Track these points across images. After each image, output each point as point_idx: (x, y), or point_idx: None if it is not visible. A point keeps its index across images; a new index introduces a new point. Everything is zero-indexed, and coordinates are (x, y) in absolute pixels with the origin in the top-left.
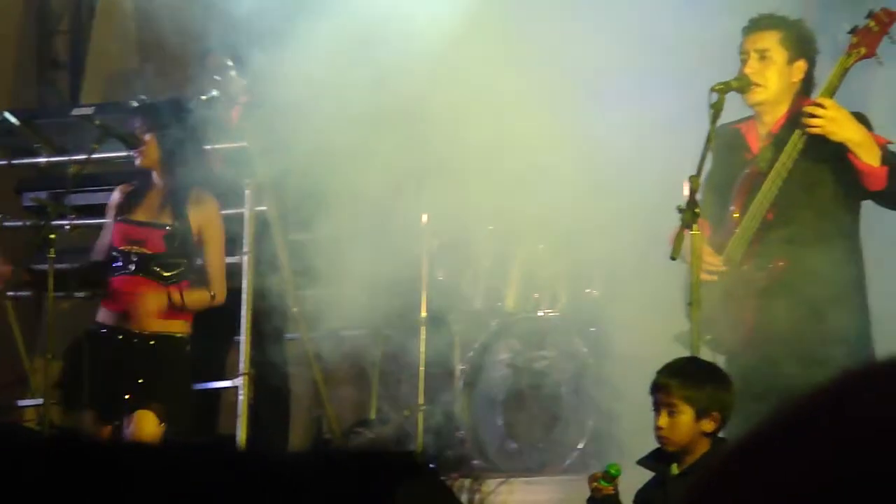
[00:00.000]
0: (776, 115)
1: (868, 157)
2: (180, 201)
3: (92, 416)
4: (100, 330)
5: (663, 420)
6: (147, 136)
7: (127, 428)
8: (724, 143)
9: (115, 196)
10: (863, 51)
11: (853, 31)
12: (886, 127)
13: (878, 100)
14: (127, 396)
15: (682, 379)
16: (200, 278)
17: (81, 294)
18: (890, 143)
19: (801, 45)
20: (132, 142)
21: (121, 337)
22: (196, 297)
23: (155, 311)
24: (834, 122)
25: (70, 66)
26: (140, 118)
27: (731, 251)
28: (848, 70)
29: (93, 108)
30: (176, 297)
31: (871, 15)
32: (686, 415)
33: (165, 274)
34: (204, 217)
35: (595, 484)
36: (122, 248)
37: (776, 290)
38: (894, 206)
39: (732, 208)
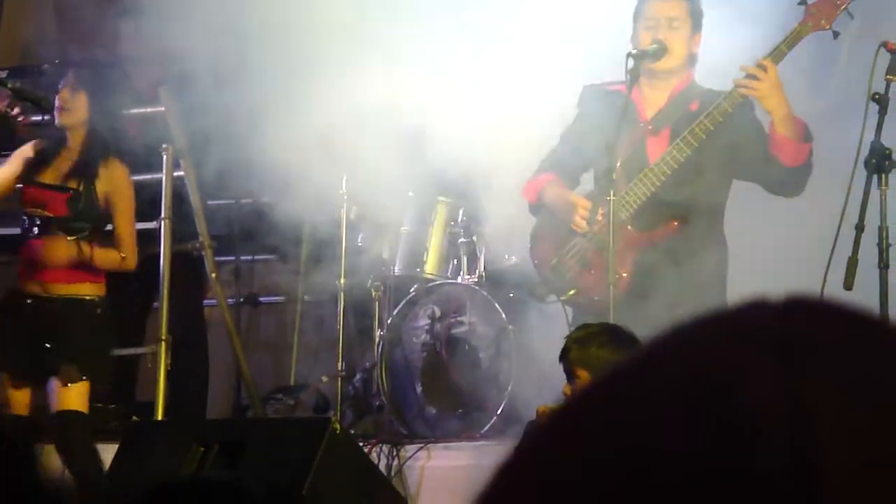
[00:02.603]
0: (672, 83)
1: (791, 131)
2: (91, 165)
3: (7, 379)
4: (14, 295)
5: (567, 387)
6: (78, 94)
7: (48, 392)
8: (609, 103)
9: (27, 150)
10: (822, 23)
11: (804, 2)
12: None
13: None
14: (41, 362)
15: (579, 344)
16: (109, 243)
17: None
18: (806, 124)
19: (699, 17)
20: (46, 105)
21: (29, 301)
22: (105, 255)
23: (62, 275)
24: (771, 87)
25: None
26: (73, 75)
27: (619, 210)
28: (800, 40)
29: (6, 71)
30: (85, 249)
31: None
32: (583, 380)
33: (68, 238)
34: (112, 183)
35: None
36: (27, 211)
37: (663, 250)
38: (793, 188)
39: (614, 169)
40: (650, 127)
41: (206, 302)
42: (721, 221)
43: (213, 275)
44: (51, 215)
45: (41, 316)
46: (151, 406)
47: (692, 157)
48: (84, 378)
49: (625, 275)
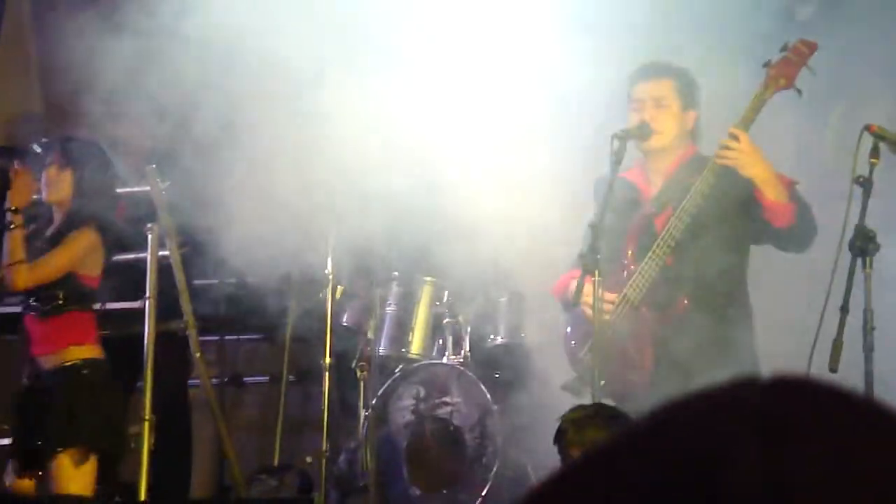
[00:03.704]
0: (669, 160)
1: (775, 194)
2: (66, 233)
3: (15, 466)
4: (27, 377)
5: None
6: (63, 172)
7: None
8: (616, 191)
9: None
10: (781, 82)
11: (768, 64)
12: (793, 169)
13: (786, 142)
14: (38, 443)
15: (574, 425)
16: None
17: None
18: (797, 182)
19: (692, 93)
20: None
21: (25, 381)
22: (17, 247)
23: (46, 345)
24: (746, 155)
25: None
26: (58, 152)
27: (630, 293)
28: (765, 103)
29: None
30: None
31: (786, 47)
32: None
33: (44, 308)
34: (75, 239)
35: None
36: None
37: (677, 332)
38: (796, 246)
39: (627, 254)
40: (655, 207)
41: (190, 382)
42: (742, 290)
43: (198, 354)
44: (24, 286)
45: (30, 395)
46: (134, 487)
47: (693, 231)
48: (91, 452)
49: (646, 361)
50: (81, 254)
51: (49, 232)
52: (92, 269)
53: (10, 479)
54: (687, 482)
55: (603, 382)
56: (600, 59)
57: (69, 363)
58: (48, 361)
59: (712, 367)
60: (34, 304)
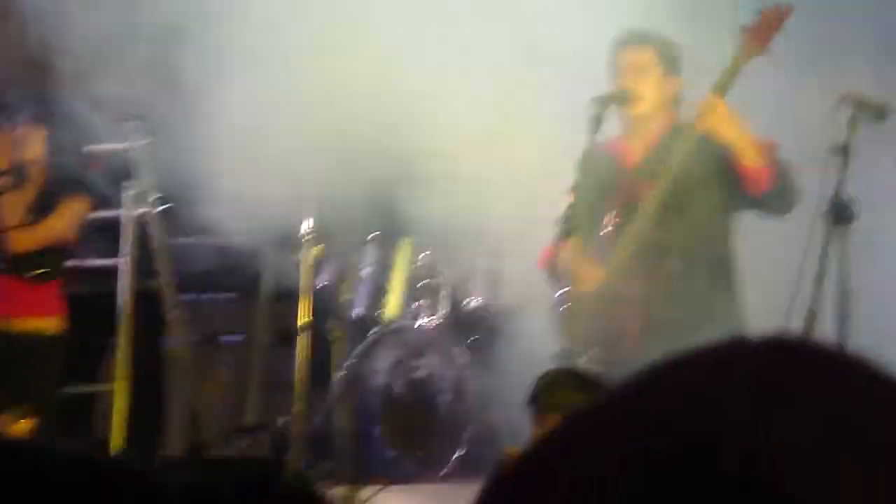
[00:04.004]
0: (651, 128)
1: (752, 159)
2: (50, 202)
3: None
4: None
5: (534, 432)
6: (35, 130)
7: None
8: (597, 161)
9: None
10: (757, 47)
11: (744, 29)
12: (772, 130)
13: (765, 102)
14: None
15: (547, 388)
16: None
17: None
18: (776, 145)
19: (673, 60)
20: None
21: None
22: (15, 215)
23: (20, 311)
24: (723, 120)
25: None
26: (31, 110)
27: (614, 263)
28: (741, 68)
29: None
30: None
31: (761, 11)
32: (552, 425)
33: (36, 273)
34: (66, 217)
35: None
36: None
37: (663, 299)
38: (774, 210)
39: (609, 224)
40: (637, 177)
41: (165, 341)
42: (728, 256)
43: (173, 313)
44: (16, 249)
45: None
46: (107, 444)
47: (676, 197)
48: (37, 414)
49: (633, 329)
50: (76, 222)
51: (31, 197)
52: (74, 237)
53: None
54: (676, 443)
55: (593, 351)
56: (600, 25)
57: (47, 333)
58: (18, 324)
59: (700, 334)
60: (24, 268)
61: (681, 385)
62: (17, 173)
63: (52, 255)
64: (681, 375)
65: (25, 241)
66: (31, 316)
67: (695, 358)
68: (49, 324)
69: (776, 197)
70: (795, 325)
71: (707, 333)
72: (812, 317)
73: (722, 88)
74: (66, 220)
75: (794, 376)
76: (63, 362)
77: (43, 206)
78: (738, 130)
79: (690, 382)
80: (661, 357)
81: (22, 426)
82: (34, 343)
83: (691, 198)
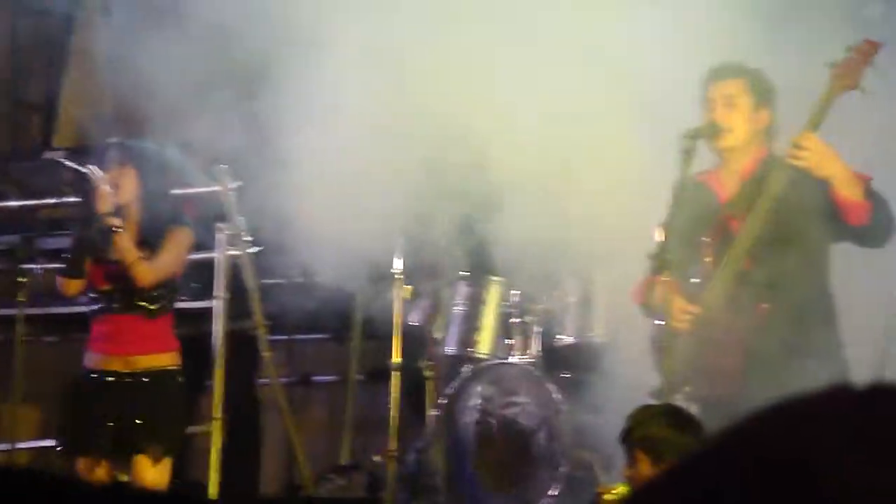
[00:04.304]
0: (743, 161)
1: (850, 191)
2: (156, 235)
3: (88, 461)
4: (90, 374)
5: (626, 469)
6: (125, 170)
7: (129, 473)
8: (691, 194)
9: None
10: (847, 82)
11: (833, 65)
12: (870, 162)
13: (863, 135)
14: (129, 440)
15: (640, 424)
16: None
17: (51, 338)
18: (870, 178)
19: (765, 93)
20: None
21: (111, 378)
22: (128, 246)
23: (142, 347)
24: (818, 156)
25: (43, 108)
26: (118, 151)
27: (710, 299)
28: (832, 103)
29: (64, 151)
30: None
31: (850, 48)
32: (642, 462)
33: (151, 307)
34: (174, 236)
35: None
36: (102, 288)
37: (761, 335)
38: (874, 243)
39: (705, 259)
40: (732, 210)
41: (259, 381)
42: (824, 291)
43: (267, 354)
44: (131, 286)
45: (126, 393)
46: (204, 486)
47: (770, 233)
48: (171, 454)
49: (730, 367)
50: (185, 253)
51: (134, 233)
52: (181, 269)
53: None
54: (783, 492)
55: (688, 388)
56: (689, 59)
57: (170, 367)
58: (143, 362)
59: (801, 371)
60: (141, 303)
61: (787, 435)
62: (120, 213)
63: (166, 289)
64: (786, 424)
65: (144, 275)
66: (155, 352)
67: (799, 406)
68: (170, 359)
69: (875, 229)
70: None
71: (806, 371)
72: None
73: (814, 124)
74: (175, 250)
75: None
76: (187, 397)
77: (145, 244)
78: (835, 164)
79: (796, 431)
80: (766, 403)
81: (163, 467)
82: (157, 380)
83: (787, 232)
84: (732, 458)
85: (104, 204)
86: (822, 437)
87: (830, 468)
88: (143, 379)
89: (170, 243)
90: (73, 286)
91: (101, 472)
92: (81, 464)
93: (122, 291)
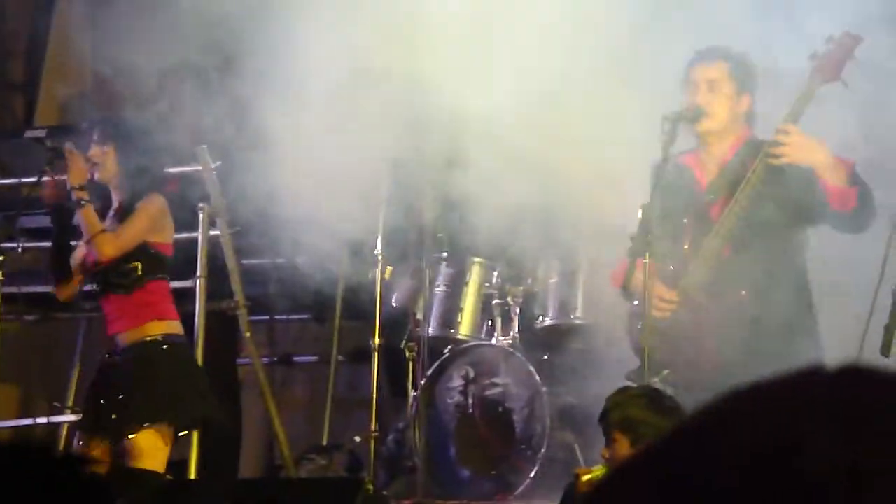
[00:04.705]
0: (724, 146)
1: (835, 177)
2: (130, 209)
3: (87, 437)
4: (104, 355)
5: (605, 450)
6: (105, 149)
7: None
8: (672, 176)
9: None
10: (828, 74)
11: (814, 56)
12: (855, 146)
13: (847, 119)
14: (113, 418)
15: (619, 406)
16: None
17: (31, 317)
18: (854, 163)
19: (747, 78)
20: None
21: (108, 356)
22: (91, 219)
23: (125, 323)
24: (799, 147)
25: (24, 87)
26: (98, 130)
27: (688, 285)
28: (813, 95)
29: (45, 130)
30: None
31: (831, 39)
32: (620, 443)
33: (125, 281)
34: (141, 205)
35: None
36: (88, 271)
37: (739, 321)
38: (856, 229)
39: (684, 243)
40: (711, 195)
41: (240, 361)
42: (801, 276)
43: (248, 334)
44: (104, 265)
45: (117, 370)
46: (184, 465)
47: (749, 220)
48: (167, 426)
49: (708, 352)
50: (156, 217)
51: (113, 209)
52: (164, 236)
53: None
54: (760, 470)
55: (666, 372)
56: (674, 41)
57: (149, 338)
58: (127, 337)
59: (777, 356)
60: (114, 280)
61: (763, 415)
62: (92, 188)
63: (136, 259)
64: (762, 404)
65: (103, 247)
66: (136, 326)
67: (775, 386)
68: (153, 328)
69: (859, 215)
70: (872, 340)
71: (785, 356)
72: (889, 334)
73: (795, 115)
74: (139, 219)
75: (874, 403)
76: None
77: (126, 213)
78: (817, 153)
79: (772, 411)
80: (737, 385)
81: (146, 438)
82: (139, 353)
83: (766, 218)
84: (705, 441)
85: (75, 177)
86: (796, 417)
87: (804, 448)
88: (128, 355)
89: (135, 212)
90: (64, 291)
91: (99, 450)
92: (82, 440)
93: (99, 273)
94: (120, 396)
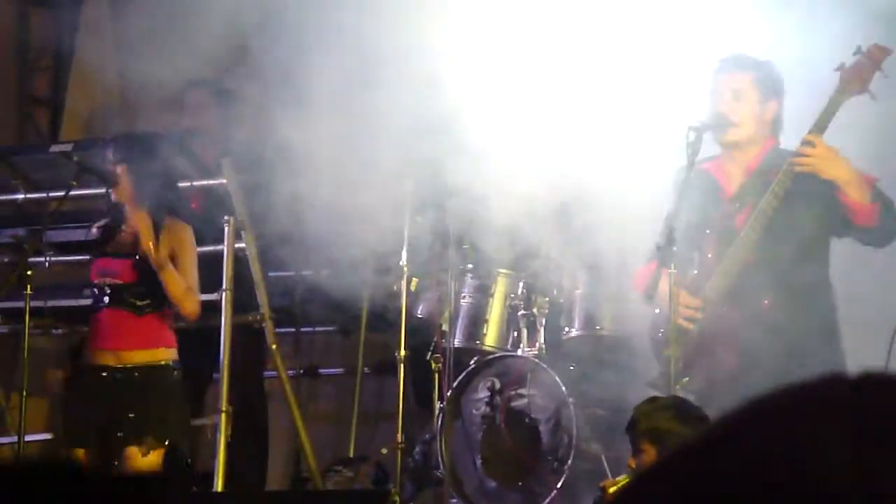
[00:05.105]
0: (749, 154)
1: (857, 194)
2: (157, 229)
3: (83, 453)
4: (89, 368)
5: (632, 460)
6: (119, 168)
7: (121, 464)
8: (695, 184)
9: (92, 232)
10: (855, 86)
11: (841, 68)
12: (876, 161)
13: (869, 135)
14: (119, 434)
15: (646, 416)
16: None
17: (58, 331)
18: (877, 180)
19: (773, 85)
20: (110, 179)
21: (104, 374)
22: (176, 279)
23: (136, 342)
24: (824, 159)
25: (50, 102)
26: (111, 150)
27: (711, 293)
28: (839, 106)
29: (71, 144)
30: (154, 253)
31: (860, 51)
32: (648, 454)
33: (139, 303)
34: (175, 239)
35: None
36: (95, 281)
37: (761, 330)
38: (878, 243)
39: (708, 251)
40: (737, 204)
41: (266, 373)
42: (825, 286)
43: (274, 346)
44: (120, 282)
45: (118, 386)
46: (211, 477)
47: (773, 230)
48: (163, 445)
49: (730, 360)
50: (194, 253)
51: (133, 232)
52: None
53: None
54: (777, 477)
55: (686, 379)
56: (699, 51)
57: (164, 363)
58: (134, 357)
59: (799, 365)
60: (130, 299)
61: (780, 422)
62: (115, 210)
63: (154, 287)
64: (780, 412)
65: (195, 306)
66: (145, 347)
67: (793, 395)
68: (165, 353)
69: (881, 231)
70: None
71: (808, 365)
72: None
73: (821, 126)
74: (191, 251)
75: (891, 416)
76: (184, 390)
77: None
78: (841, 166)
79: (790, 419)
80: (757, 394)
81: (151, 459)
82: (150, 375)
83: (789, 229)
84: (723, 450)
85: (146, 239)
86: (814, 427)
87: (821, 457)
88: (135, 374)
89: (181, 259)
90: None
91: (92, 465)
92: (75, 456)
93: (112, 286)
94: (131, 415)
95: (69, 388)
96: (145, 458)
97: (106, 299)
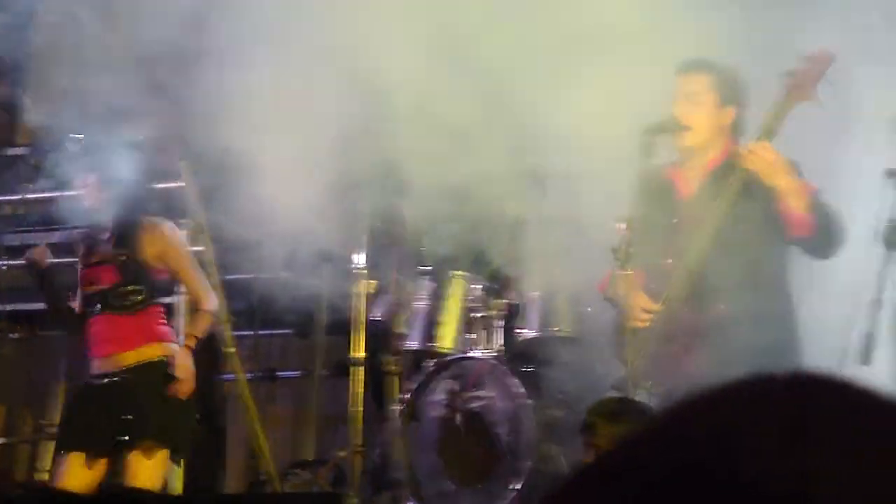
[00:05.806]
0: (705, 159)
1: (794, 203)
2: (130, 233)
3: (81, 457)
4: (90, 379)
5: (586, 461)
6: (90, 177)
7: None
8: (653, 188)
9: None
10: (802, 94)
11: (789, 74)
12: (819, 171)
13: (813, 144)
14: (118, 437)
15: (605, 418)
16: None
17: (15, 335)
18: (816, 189)
19: (732, 90)
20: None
21: (104, 380)
22: (201, 323)
23: (126, 343)
24: (768, 165)
25: (5, 106)
26: (80, 153)
27: (671, 296)
28: (787, 113)
29: (27, 148)
30: (191, 343)
31: (806, 56)
32: (590, 455)
33: (126, 304)
34: (161, 241)
35: None
36: (84, 291)
37: (715, 333)
38: (815, 254)
39: (665, 255)
40: (690, 210)
41: (224, 376)
42: (783, 289)
43: (232, 349)
44: (106, 287)
45: (115, 390)
46: (167, 480)
47: (729, 233)
48: (165, 446)
49: (691, 363)
50: (186, 251)
51: (106, 235)
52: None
53: (61, 473)
54: (708, 467)
55: (650, 383)
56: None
57: (156, 360)
58: (127, 358)
59: (761, 366)
60: (116, 302)
61: (715, 416)
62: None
63: (140, 284)
64: (714, 407)
65: (212, 302)
66: (137, 347)
67: (728, 391)
68: (157, 349)
69: (816, 242)
70: (853, 350)
71: (764, 367)
72: (869, 342)
73: (767, 133)
74: (182, 248)
75: (820, 410)
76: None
77: (120, 243)
78: (782, 175)
79: (724, 413)
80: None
81: (156, 461)
82: (143, 375)
83: (745, 231)
84: (646, 450)
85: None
86: (741, 425)
87: (750, 456)
88: (130, 375)
89: (175, 263)
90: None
91: (96, 470)
92: (77, 461)
93: (97, 292)
94: (128, 416)
95: (72, 399)
96: (149, 462)
97: (98, 306)
